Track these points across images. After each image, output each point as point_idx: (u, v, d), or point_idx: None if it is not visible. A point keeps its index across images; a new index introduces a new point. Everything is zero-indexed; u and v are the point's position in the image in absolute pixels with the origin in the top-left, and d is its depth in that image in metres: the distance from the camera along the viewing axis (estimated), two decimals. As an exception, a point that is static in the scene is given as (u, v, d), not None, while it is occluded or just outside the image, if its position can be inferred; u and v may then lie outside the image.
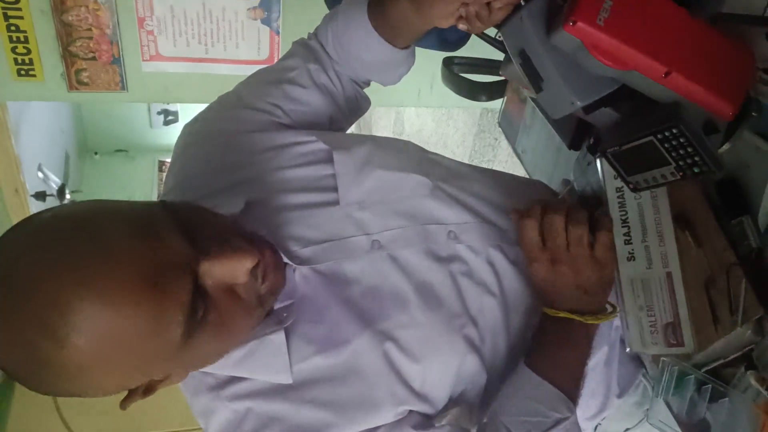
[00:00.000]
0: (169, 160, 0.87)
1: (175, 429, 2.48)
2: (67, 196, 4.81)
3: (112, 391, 0.62)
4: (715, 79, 0.65)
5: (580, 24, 0.63)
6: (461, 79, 1.63)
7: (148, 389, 0.66)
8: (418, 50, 1.31)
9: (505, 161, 3.21)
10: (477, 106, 3.32)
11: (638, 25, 0.64)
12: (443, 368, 0.77)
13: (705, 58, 0.66)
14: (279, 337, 0.72)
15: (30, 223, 0.58)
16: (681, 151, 0.67)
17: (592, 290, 0.79)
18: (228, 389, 0.72)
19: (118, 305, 0.53)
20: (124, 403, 0.65)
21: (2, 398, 2.42)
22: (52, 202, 4.57)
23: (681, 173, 0.70)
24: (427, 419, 0.76)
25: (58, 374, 0.55)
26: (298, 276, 0.74)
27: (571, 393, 0.77)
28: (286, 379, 0.71)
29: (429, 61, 1.73)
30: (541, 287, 0.80)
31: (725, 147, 0.72)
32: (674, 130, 0.65)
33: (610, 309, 0.82)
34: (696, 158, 0.67)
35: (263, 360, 0.71)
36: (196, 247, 0.59)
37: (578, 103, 0.71)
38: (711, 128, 0.67)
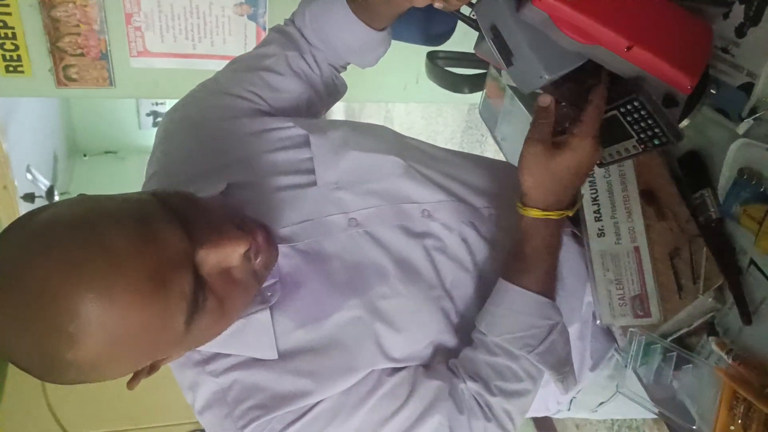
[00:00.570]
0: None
1: (166, 423, 2.50)
2: (56, 198, 4.81)
3: (122, 376, 0.65)
4: (675, 53, 0.69)
5: None
6: (445, 72, 1.67)
7: (152, 368, 0.69)
8: (404, 45, 1.34)
9: (492, 156, 3.25)
10: (464, 102, 3.35)
11: (602, 0, 0.67)
12: (423, 337, 0.80)
13: (665, 33, 0.69)
14: (264, 315, 0.75)
15: (30, 225, 0.59)
16: (642, 124, 0.70)
17: (573, 185, 0.80)
18: (213, 364, 0.75)
19: (126, 305, 0.56)
20: (130, 384, 0.68)
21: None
22: (40, 204, 4.56)
23: (643, 146, 0.73)
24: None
25: (72, 370, 0.58)
26: (280, 255, 0.77)
27: (554, 296, 0.82)
28: (272, 356, 0.74)
29: (414, 56, 1.77)
30: (535, 179, 0.79)
31: (685, 122, 0.76)
32: (635, 103, 0.69)
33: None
34: (656, 130, 0.70)
35: (250, 338, 0.74)
36: (190, 237, 0.62)
37: (546, 76, 0.73)
38: (671, 101, 0.70)
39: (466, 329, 0.84)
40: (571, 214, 0.82)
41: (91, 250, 0.56)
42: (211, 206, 0.69)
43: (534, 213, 0.80)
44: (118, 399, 2.33)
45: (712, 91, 0.75)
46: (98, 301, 0.55)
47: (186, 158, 0.84)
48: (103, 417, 2.47)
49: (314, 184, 0.81)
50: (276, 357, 0.74)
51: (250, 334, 0.74)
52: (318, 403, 0.73)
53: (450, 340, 0.83)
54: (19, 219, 0.61)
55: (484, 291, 0.85)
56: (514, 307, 0.79)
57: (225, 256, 0.64)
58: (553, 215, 0.79)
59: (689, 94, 0.70)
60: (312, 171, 0.82)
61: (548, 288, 0.81)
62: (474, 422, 0.77)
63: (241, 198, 0.79)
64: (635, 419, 2.13)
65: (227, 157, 0.83)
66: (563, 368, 0.80)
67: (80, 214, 0.59)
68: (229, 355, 0.75)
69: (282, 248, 0.76)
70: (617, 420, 2.25)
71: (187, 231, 0.62)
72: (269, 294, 0.76)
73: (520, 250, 0.82)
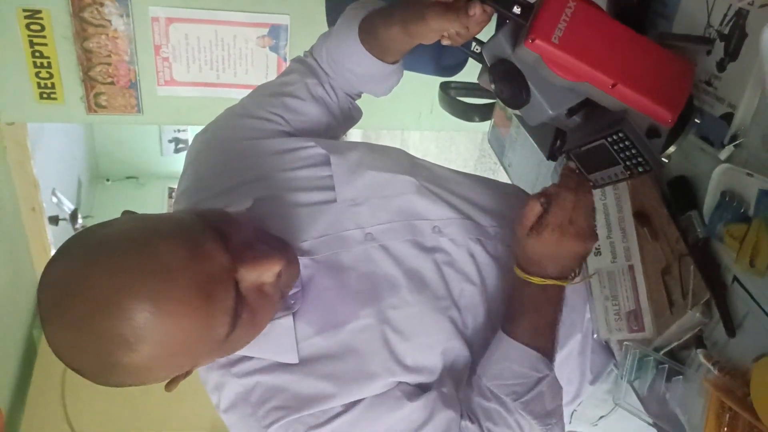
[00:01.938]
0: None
1: (174, 429, 2.55)
2: (80, 221, 4.91)
3: (165, 380, 0.72)
4: (657, 91, 0.75)
5: (537, 41, 0.73)
6: (456, 101, 1.75)
7: (188, 372, 0.75)
8: (419, 76, 1.42)
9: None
10: (478, 131, 3.42)
11: (589, 42, 0.74)
12: (431, 345, 0.85)
13: (648, 72, 0.76)
14: (288, 321, 0.81)
15: (89, 241, 0.65)
16: (627, 153, 0.77)
17: (575, 258, 0.85)
18: (237, 367, 0.81)
19: (177, 314, 0.63)
20: (169, 387, 0.75)
21: (14, 412, 2.49)
22: (64, 226, 4.67)
23: (629, 172, 0.79)
24: (417, 386, 0.84)
25: (124, 373, 0.65)
26: (301, 266, 0.83)
27: (549, 352, 0.85)
28: (293, 359, 0.80)
29: (428, 86, 1.85)
30: (530, 256, 0.85)
31: (671, 149, 0.82)
32: (620, 134, 0.75)
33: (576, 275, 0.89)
34: (639, 159, 0.76)
35: (273, 341, 0.80)
36: (230, 253, 0.68)
37: (551, 112, 0.81)
38: (654, 133, 0.77)
39: (473, 338, 0.89)
40: (564, 284, 0.86)
41: (147, 263, 0.62)
42: (244, 225, 0.75)
43: (518, 272, 0.86)
44: (134, 410, 2.40)
45: (696, 120, 0.81)
46: (153, 310, 0.61)
47: (214, 175, 0.92)
48: (119, 429, 2.52)
49: (334, 200, 0.88)
50: (297, 361, 0.80)
51: (274, 338, 0.80)
52: (338, 414, 0.78)
53: (459, 347, 0.88)
54: (78, 235, 0.68)
55: (488, 302, 0.91)
56: (506, 354, 0.84)
57: (262, 273, 0.71)
58: (536, 281, 0.84)
59: (672, 126, 0.76)
60: (331, 188, 0.89)
61: (538, 342, 0.84)
62: None
63: (266, 212, 0.86)
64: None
65: (252, 174, 0.90)
66: (549, 419, 0.83)
67: (135, 231, 0.66)
68: (252, 358, 0.80)
69: (303, 260, 0.83)
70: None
71: (228, 249, 0.68)
72: (292, 302, 0.82)
73: (510, 302, 0.88)
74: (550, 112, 0.81)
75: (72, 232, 5.05)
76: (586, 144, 0.81)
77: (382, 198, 0.90)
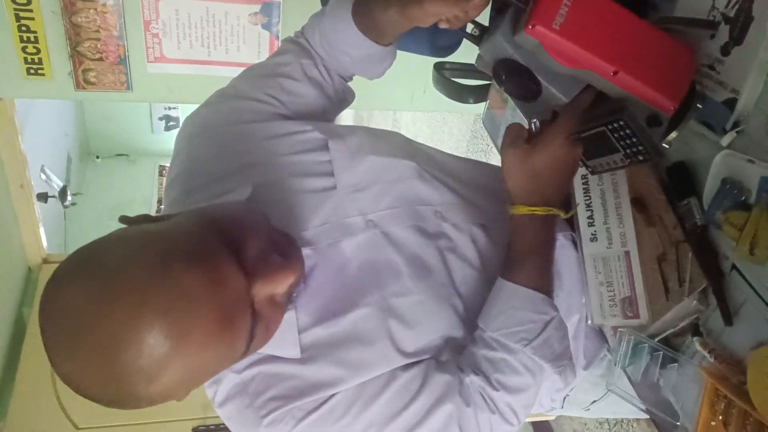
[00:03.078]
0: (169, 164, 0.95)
1: (167, 419, 2.54)
2: (69, 198, 4.88)
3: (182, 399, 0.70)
4: (658, 78, 0.74)
5: (538, 27, 0.71)
6: (450, 82, 1.72)
7: None
8: (412, 56, 1.40)
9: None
10: (470, 112, 3.41)
11: (591, 29, 0.73)
12: (433, 332, 0.84)
13: (650, 59, 0.74)
14: (290, 315, 0.79)
15: (100, 268, 0.60)
16: (627, 141, 0.75)
17: (555, 182, 0.84)
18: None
19: (200, 345, 0.61)
20: (181, 398, 0.72)
21: (3, 388, 2.47)
22: (53, 204, 4.64)
23: (629, 160, 0.78)
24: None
25: (144, 401, 0.63)
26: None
27: (550, 291, 0.84)
28: (295, 354, 0.79)
29: (422, 66, 1.82)
30: (515, 179, 0.85)
31: (673, 135, 0.80)
32: (621, 122, 0.74)
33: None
34: (640, 147, 0.75)
35: (276, 336, 0.77)
36: (245, 269, 0.66)
37: (565, 100, 0.80)
38: (654, 121, 0.75)
39: (474, 325, 0.88)
40: (561, 214, 0.85)
41: (168, 296, 0.59)
42: (256, 229, 0.71)
43: (520, 210, 0.84)
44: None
45: (698, 105, 0.80)
46: (176, 343, 0.59)
47: (209, 159, 0.89)
48: (110, 410, 2.51)
49: (334, 187, 0.86)
50: (299, 356, 0.78)
51: (277, 334, 0.77)
52: (334, 394, 0.77)
53: (459, 334, 0.87)
54: (83, 257, 0.63)
55: (491, 288, 0.89)
56: (509, 302, 0.82)
57: (277, 287, 0.69)
58: (539, 211, 0.83)
59: (673, 114, 0.75)
60: (331, 174, 0.87)
61: (542, 283, 0.83)
62: (480, 414, 0.80)
63: (266, 200, 0.83)
64: (631, 424, 2.16)
65: (249, 159, 0.88)
66: (560, 361, 0.83)
67: (150, 255, 0.61)
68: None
69: (304, 250, 0.81)
70: (614, 426, 2.28)
71: (241, 264, 0.66)
72: (295, 295, 0.80)
73: (512, 248, 0.86)
74: (565, 100, 0.80)
75: (61, 209, 5.04)
76: (585, 130, 0.80)
77: (384, 183, 0.89)
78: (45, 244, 2.92)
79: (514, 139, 0.85)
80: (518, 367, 0.81)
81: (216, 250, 0.64)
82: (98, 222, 5.75)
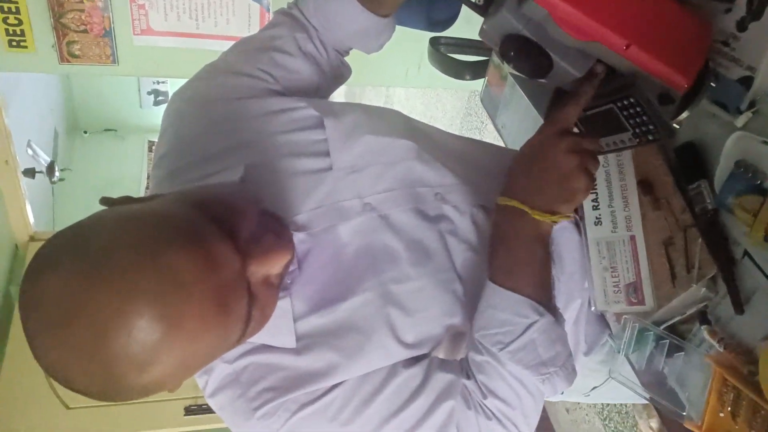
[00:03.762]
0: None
1: (159, 398, 2.52)
2: (57, 174, 4.81)
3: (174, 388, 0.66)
4: (672, 54, 0.70)
5: None
6: (447, 58, 1.67)
7: None
8: (407, 31, 1.35)
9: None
10: (465, 89, 3.36)
11: None
12: (433, 319, 0.81)
13: (664, 33, 0.70)
14: (285, 303, 0.75)
15: (85, 252, 0.56)
16: (637, 119, 0.72)
17: (559, 189, 0.77)
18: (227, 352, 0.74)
19: (194, 331, 0.57)
20: (173, 389, 0.68)
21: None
22: (41, 180, 4.57)
23: (638, 139, 0.74)
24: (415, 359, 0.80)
25: (136, 392, 0.59)
26: (296, 241, 0.77)
27: (537, 295, 0.76)
28: (291, 343, 0.75)
29: (417, 41, 1.77)
30: (520, 165, 0.79)
31: (684, 114, 0.77)
32: (631, 99, 0.70)
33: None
34: (650, 126, 0.71)
35: (270, 325, 0.73)
36: (238, 249, 0.62)
37: (578, 75, 0.74)
38: (666, 99, 0.71)
39: (473, 309, 0.84)
40: (535, 215, 0.76)
41: (159, 280, 0.55)
42: (248, 211, 0.67)
43: (501, 199, 0.79)
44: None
45: (711, 83, 0.76)
46: (168, 330, 0.55)
47: (198, 138, 0.84)
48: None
49: (329, 168, 0.82)
50: (294, 345, 0.75)
51: (271, 321, 0.73)
52: (333, 388, 0.74)
53: (461, 321, 0.83)
54: (65, 241, 0.59)
55: None
56: (489, 301, 0.78)
57: (272, 267, 0.65)
58: (512, 203, 0.77)
59: (686, 91, 0.71)
60: (326, 153, 0.82)
61: (526, 285, 0.77)
62: (481, 420, 0.77)
63: (258, 182, 0.79)
64: (624, 404, 2.16)
65: (241, 137, 0.83)
66: (545, 368, 0.76)
67: (138, 238, 0.57)
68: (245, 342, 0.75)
69: (298, 235, 0.77)
70: (607, 405, 2.28)
71: (235, 245, 0.62)
72: (288, 281, 0.76)
73: (494, 244, 0.81)
74: (578, 74, 0.75)
75: (49, 186, 4.97)
76: (592, 107, 0.76)
77: (382, 164, 0.84)
78: (32, 220, 2.87)
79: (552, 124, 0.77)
80: (503, 372, 0.76)
81: (208, 230, 0.60)
82: (87, 198, 5.68)
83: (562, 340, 0.78)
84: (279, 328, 0.74)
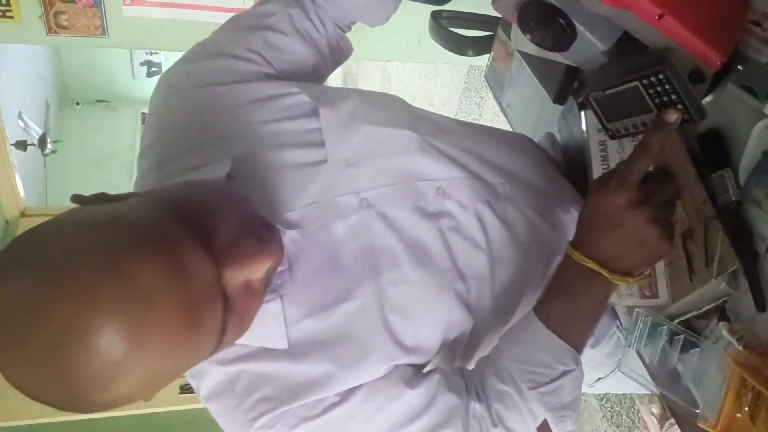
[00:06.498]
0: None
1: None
2: (49, 146, 4.74)
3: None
4: (708, 27, 0.64)
5: None
6: (449, 33, 1.62)
7: None
8: (407, 3, 1.29)
9: (491, 120, 3.20)
10: (464, 63, 3.29)
11: None
12: (434, 322, 0.78)
13: (699, 3, 0.65)
14: (275, 306, 0.72)
15: (43, 258, 0.52)
16: (665, 98, 0.67)
17: (640, 256, 0.73)
18: (220, 353, 0.70)
19: (161, 346, 0.53)
20: (148, 399, 0.64)
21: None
22: (33, 152, 4.50)
23: None
24: (416, 368, 0.78)
25: (100, 407, 0.55)
26: (288, 240, 0.73)
27: (580, 346, 0.76)
28: (282, 345, 0.72)
29: (417, 15, 1.71)
30: (594, 223, 0.73)
31: (708, 99, 0.72)
32: (660, 76, 0.65)
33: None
34: (679, 106, 0.66)
35: (260, 328, 0.70)
36: (214, 256, 0.58)
37: (602, 48, 0.70)
38: (697, 77, 0.66)
39: (477, 306, 0.82)
40: (609, 277, 0.72)
41: (121, 290, 0.51)
42: (229, 214, 0.63)
43: (571, 251, 0.74)
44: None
45: (738, 67, 0.71)
46: (131, 347, 0.51)
47: (184, 127, 0.79)
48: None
49: (324, 160, 0.77)
50: (286, 346, 0.72)
51: (261, 324, 0.70)
52: (334, 405, 0.72)
53: (462, 320, 0.81)
54: (23, 246, 0.54)
55: (496, 269, 0.83)
56: (533, 338, 0.76)
57: (252, 273, 0.61)
58: (587, 264, 0.72)
59: (718, 70, 0.66)
60: (320, 144, 0.77)
61: (575, 334, 0.75)
62: None
63: (247, 176, 0.74)
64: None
65: (228, 127, 0.77)
66: (563, 411, 0.76)
67: (100, 244, 0.53)
68: (236, 344, 0.70)
69: (290, 234, 0.73)
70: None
71: (209, 251, 0.57)
72: (279, 282, 0.72)
73: (552, 281, 0.77)
74: (602, 47, 0.70)
75: (41, 158, 4.90)
76: (612, 86, 0.71)
77: (380, 157, 0.79)
78: (23, 194, 2.82)
79: (622, 179, 0.71)
80: (522, 407, 0.75)
81: (177, 236, 0.56)
82: (80, 171, 5.62)
83: (581, 386, 0.78)
84: (269, 332, 0.71)
